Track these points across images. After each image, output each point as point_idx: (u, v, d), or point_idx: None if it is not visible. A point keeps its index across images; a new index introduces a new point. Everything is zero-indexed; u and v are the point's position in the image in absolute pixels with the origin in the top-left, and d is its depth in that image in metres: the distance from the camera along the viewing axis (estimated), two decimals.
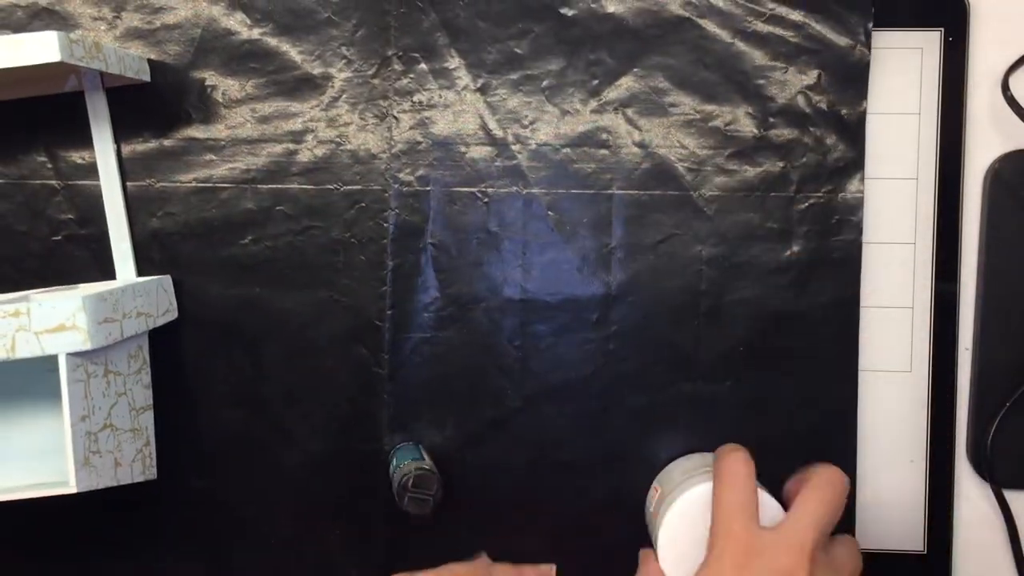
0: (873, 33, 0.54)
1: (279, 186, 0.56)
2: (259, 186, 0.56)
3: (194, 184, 0.57)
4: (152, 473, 0.55)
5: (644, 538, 0.55)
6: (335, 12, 0.56)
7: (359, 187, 0.56)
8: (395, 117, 0.56)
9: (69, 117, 0.56)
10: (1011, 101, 0.54)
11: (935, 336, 0.55)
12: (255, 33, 0.56)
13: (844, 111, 0.54)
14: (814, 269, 0.55)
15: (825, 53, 0.54)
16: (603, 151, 0.56)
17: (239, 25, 0.56)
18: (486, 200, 0.56)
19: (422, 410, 0.57)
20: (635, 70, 0.55)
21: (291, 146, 0.56)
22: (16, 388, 0.53)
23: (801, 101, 0.55)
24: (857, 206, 0.55)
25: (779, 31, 0.55)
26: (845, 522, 0.55)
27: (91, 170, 0.56)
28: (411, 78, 0.56)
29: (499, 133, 0.56)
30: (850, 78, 0.54)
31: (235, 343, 0.56)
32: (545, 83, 0.56)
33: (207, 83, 0.56)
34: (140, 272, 0.57)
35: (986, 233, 0.55)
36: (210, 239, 0.56)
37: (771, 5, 0.55)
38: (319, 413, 0.57)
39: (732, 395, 0.55)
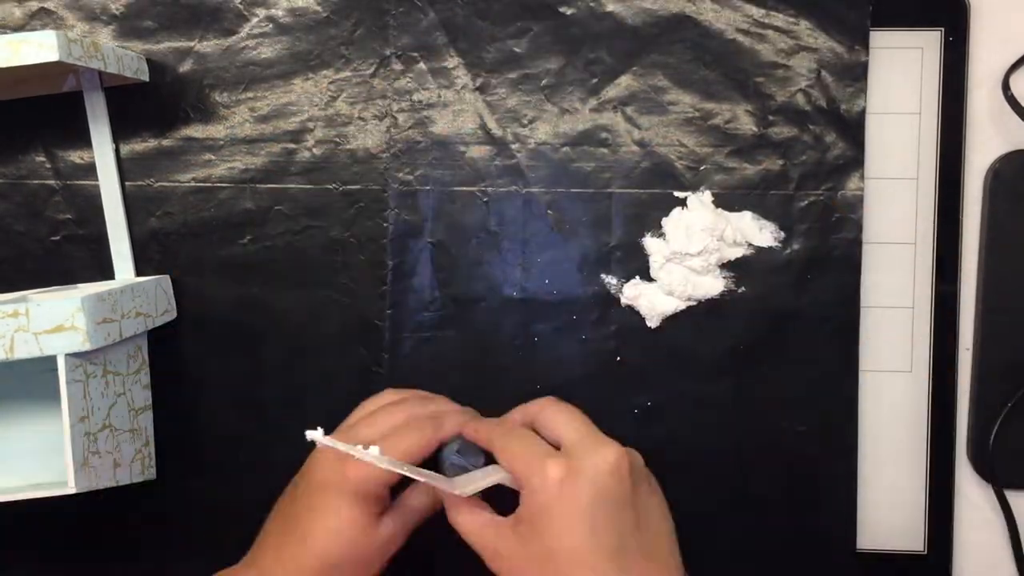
0: (873, 33, 0.54)
1: (278, 186, 0.56)
2: (258, 186, 0.56)
3: (193, 184, 0.56)
4: (151, 473, 0.55)
5: None
6: (334, 11, 0.56)
7: (358, 186, 0.56)
8: (394, 116, 0.56)
9: (68, 117, 0.56)
10: (1011, 101, 0.54)
11: (935, 336, 0.55)
12: (254, 32, 0.56)
13: (843, 108, 0.54)
14: (814, 267, 0.55)
15: (824, 51, 0.54)
16: (602, 150, 0.55)
17: (238, 24, 0.56)
18: (485, 199, 0.56)
19: None
20: (634, 68, 0.55)
21: (290, 145, 0.56)
22: (15, 389, 0.53)
23: (800, 99, 0.54)
24: (857, 204, 0.54)
25: (778, 29, 0.54)
26: (846, 524, 0.55)
27: (90, 170, 0.56)
28: (410, 77, 0.56)
29: (498, 132, 0.56)
30: (849, 76, 0.54)
31: (234, 343, 0.56)
32: (544, 82, 0.56)
33: (205, 82, 0.56)
34: (139, 272, 0.57)
35: (986, 233, 0.55)
36: (209, 239, 0.56)
37: (770, 3, 0.54)
38: (318, 413, 0.56)
39: (731, 394, 0.55)
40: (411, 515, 0.47)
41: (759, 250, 0.55)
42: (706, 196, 0.55)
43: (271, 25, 0.56)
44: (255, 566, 0.47)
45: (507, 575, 0.43)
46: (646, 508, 0.45)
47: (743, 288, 0.55)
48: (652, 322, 0.55)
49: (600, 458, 0.43)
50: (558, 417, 0.46)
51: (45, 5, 0.56)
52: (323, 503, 0.45)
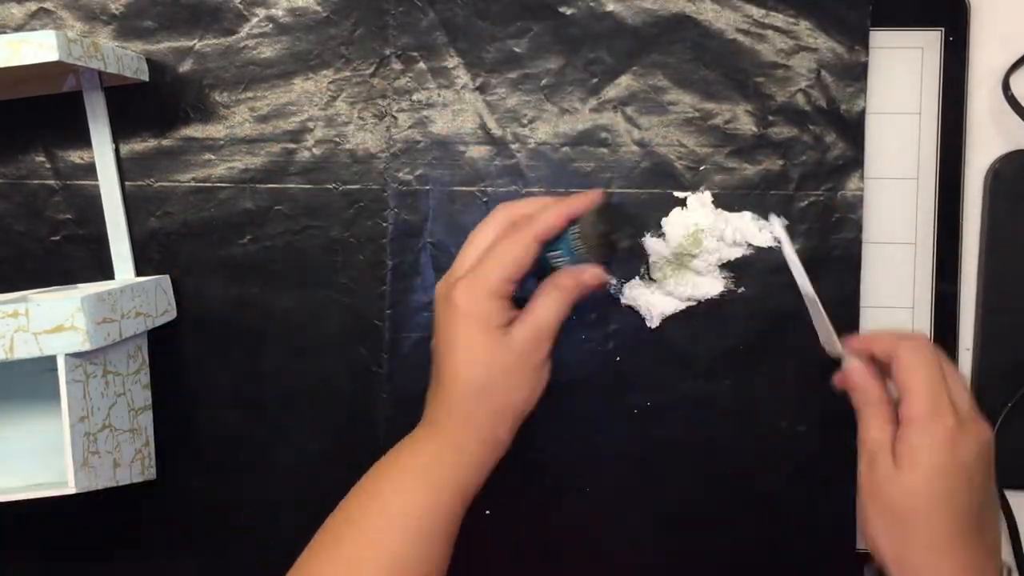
0: (873, 33, 0.54)
1: (278, 185, 0.56)
2: (258, 186, 0.56)
3: (192, 184, 0.56)
4: (151, 473, 0.55)
5: (643, 541, 0.55)
6: (334, 11, 0.56)
7: (358, 186, 0.56)
8: (394, 116, 0.56)
9: (68, 117, 0.56)
10: (1012, 101, 0.54)
11: (935, 336, 0.55)
12: (254, 32, 0.56)
13: (843, 109, 0.54)
14: (814, 267, 0.55)
15: (824, 51, 0.54)
16: (602, 149, 0.55)
17: (238, 24, 0.56)
18: (485, 199, 0.56)
19: (421, 410, 0.56)
20: (634, 68, 0.55)
21: (289, 145, 0.56)
22: (15, 389, 0.53)
23: (800, 99, 0.54)
24: (856, 204, 0.54)
25: (778, 29, 0.54)
26: (846, 524, 0.55)
27: (90, 170, 0.56)
28: (410, 77, 0.56)
29: (498, 132, 0.56)
30: (849, 76, 0.54)
31: (234, 343, 0.56)
32: (544, 82, 0.56)
33: (205, 82, 0.56)
34: (139, 272, 0.57)
35: (986, 233, 0.55)
36: (209, 239, 0.56)
37: (770, 3, 0.54)
38: (318, 413, 0.57)
39: (731, 394, 0.55)
40: (540, 323, 0.47)
41: (759, 250, 0.55)
42: (706, 196, 0.55)
43: (271, 25, 0.56)
44: (430, 418, 0.48)
45: (873, 507, 0.45)
46: (991, 495, 0.46)
47: (743, 288, 0.55)
48: (652, 322, 0.55)
49: (983, 429, 0.45)
50: (957, 385, 0.46)
51: (45, 5, 0.56)
52: (452, 336, 0.47)
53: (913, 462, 0.44)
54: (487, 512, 0.56)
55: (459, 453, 0.46)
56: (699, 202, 0.54)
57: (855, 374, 0.48)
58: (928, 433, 0.44)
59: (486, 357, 0.46)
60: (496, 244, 0.47)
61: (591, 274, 0.48)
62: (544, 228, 0.47)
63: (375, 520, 0.45)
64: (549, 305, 0.47)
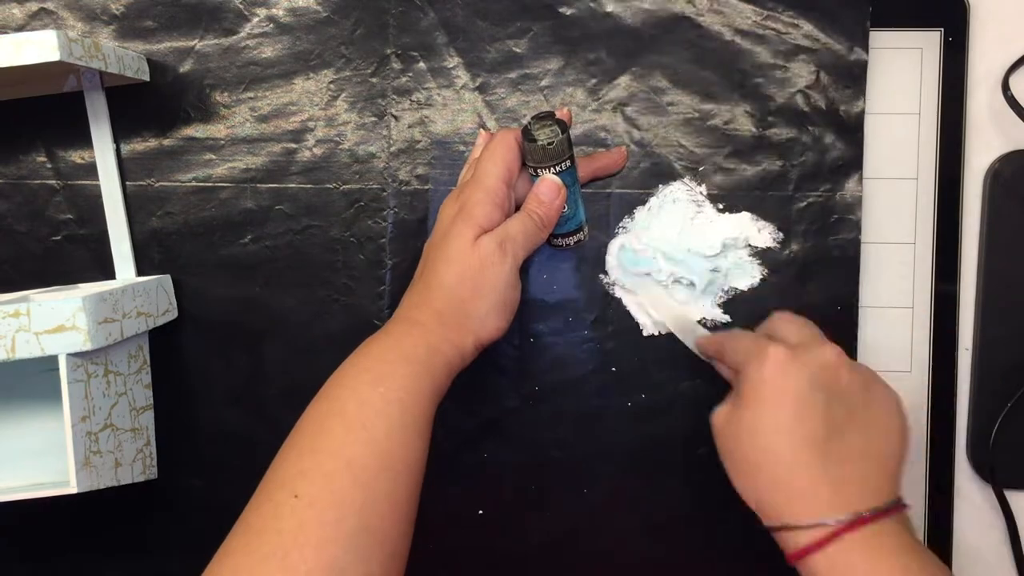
0: (873, 33, 0.54)
1: (278, 185, 0.56)
2: (258, 185, 0.56)
3: (193, 184, 0.57)
4: (152, 473, 0.55)
5: (642, 541, 0.56)
6: (334, 11, 0.56)
7: (358, 186, 0.56)
8: (394, 116, 0.56)
9: (69, 117, 0.56)
10: (1011, 101, 0.54)
11: (935, 336, 0.55)
12: (255, 32, 0.56)
13: (842, 110, 0.54)
14: (813, 268, 0.55)
15: (823, 52, 0.54)
16: (601, 150, 0.55)
17: (238, 23, 0.56)
18: None
19: None
20: (633, 69, 0.55)
21: (290, 145, 0.56)
22: (16, 388, 0.54)
23: (799, 100, 0.54)
24: (855, 205, 0.54)
25: (777, 30, 0.54)
26: None
27: (91, 170, 0.57)
28: (409, 77, 0.56)
29: None
30: (848, 77, 0.54)
31: (235, 342, 0.57)
32: (544, 82, 0.56)
33: (206, 82, 0.56)
34: (140, 272, 0.57)
35: (986, 233, 0.55)
36: (210, 239, 0.57)
37: (769, 4, 0.54)
38: None
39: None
40: (504, 231, 0.48)
41: (758, 250, 0.55)
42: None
43: (271, 25, 0.56)
44: (404, 316, 0.48)
45: (723, 450, 0.47)
46: (867, 409, 0.45)
47: (742, 286, 0.55)
48: (646, 331, 0.55)
49: (818, 352, 0.45)
50: (788, 325, 0.48)
51: (45, 5, 0.56)
52: (448, 231, 0.48)
53: (741, 403, 0.45)
54: (480, 512, 0.56)
55: (435, 354, 0.46)
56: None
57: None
58: (751, 371, 0.45)
59: (461, 259, 0.47)
60: (484, 152, 0.50)
61: (546, 187, 0.50)
62: (516, 131, 0.50)
63: (360, 409, 0.44)
64: (514, 222, 0.49)
